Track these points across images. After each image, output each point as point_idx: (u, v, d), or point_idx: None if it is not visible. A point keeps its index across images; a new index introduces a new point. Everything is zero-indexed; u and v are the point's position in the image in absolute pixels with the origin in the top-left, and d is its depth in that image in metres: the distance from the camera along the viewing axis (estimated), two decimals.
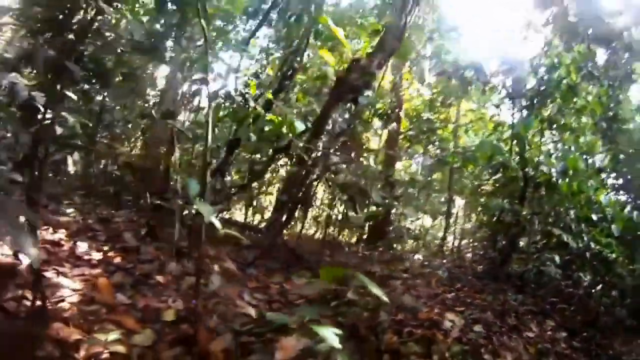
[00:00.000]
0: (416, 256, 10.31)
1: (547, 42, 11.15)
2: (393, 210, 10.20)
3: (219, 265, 3.72)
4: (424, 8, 9.48)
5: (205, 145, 3.22)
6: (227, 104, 6.17)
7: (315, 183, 5.89)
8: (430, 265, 8.64)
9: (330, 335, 2.54)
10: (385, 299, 2.99)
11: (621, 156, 14.68)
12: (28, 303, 2.92)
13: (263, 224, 8.00)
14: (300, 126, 3.99)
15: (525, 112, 9.99)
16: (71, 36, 5.02)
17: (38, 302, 2.83)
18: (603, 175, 11.91)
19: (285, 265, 5.95)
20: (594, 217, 8.15)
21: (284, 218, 6.30)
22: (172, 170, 6.40)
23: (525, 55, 10.73)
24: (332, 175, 5.53)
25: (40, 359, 2.50)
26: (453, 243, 15.14)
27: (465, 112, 14.93)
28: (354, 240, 11.05)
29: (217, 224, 2.58)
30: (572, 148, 9.05)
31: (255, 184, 7.62)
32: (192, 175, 8.25)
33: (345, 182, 5.40)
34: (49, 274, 3.57)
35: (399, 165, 14.48)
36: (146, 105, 10.52)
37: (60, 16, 10.47)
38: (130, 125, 10.76)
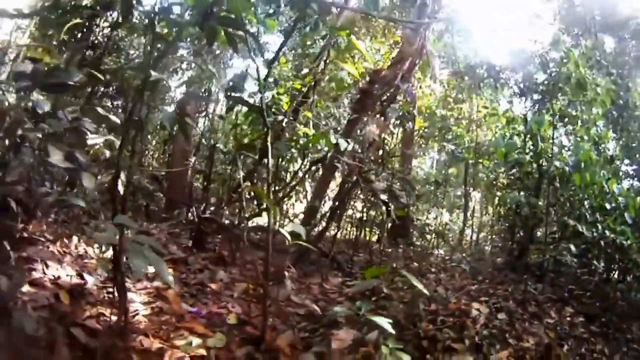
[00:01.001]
0: (438, 251, 10.84)
1: (555, 36, 11.59)
2: (412, 209, 10.78)
3: (287, 271, 4.29)
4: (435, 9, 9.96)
5: (268, 166, 3.77)
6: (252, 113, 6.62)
7: (351, 190, 6.51)
8: (452, 259, 9.16)
9: (385, 323, 3.14)
10: (425, 291, 3.59)
11: (634, 144, 15.18)
12: (106, 319, 3.48)
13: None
14: (343, 143, 4.52)
15: (536, 107, 10.59)
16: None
17: (114, 317, 3.37)
18: (616, 164, 12.37)
19: (318, 267, 6.54)
20: (608, 206, 8.60)
21: (321, 223, 6.95)
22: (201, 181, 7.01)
23: (535, 50, 11.28)
24: (366, 182, 6.09)
25: None
26: (471, 237, 15.68)
27: (478, 108, 15.38)
28: (374, 239, 11.55)
29: (288, 237, 3.17)
30: (585, 139, 9.52)
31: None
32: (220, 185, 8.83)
33: (378, 188, 5.97)
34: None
35: (415, 162, 14.95)
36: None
37: (79, 34, 11.09)
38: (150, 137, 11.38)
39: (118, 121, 4.05)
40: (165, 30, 3.80)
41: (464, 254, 11.19)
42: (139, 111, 3.48)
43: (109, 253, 5.03)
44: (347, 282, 5.98)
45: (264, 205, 6.96)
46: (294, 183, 7.73)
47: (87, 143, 3.85)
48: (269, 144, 3.68)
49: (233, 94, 4.56)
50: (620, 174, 13.87)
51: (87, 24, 10.49)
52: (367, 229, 10.12)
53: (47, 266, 3.89)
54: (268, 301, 3.75)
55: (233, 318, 3.95)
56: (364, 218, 8.98)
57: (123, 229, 2.94)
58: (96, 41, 11.05)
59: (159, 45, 3.76)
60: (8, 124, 3.55)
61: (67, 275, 3.90)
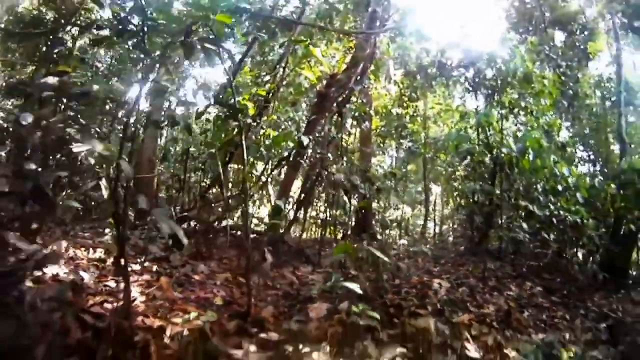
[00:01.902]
0: (401, 242, 11.53)
1: (502, 34, 12.49)
2: (374, 204, 11.44)
3: (264, 258, 4.89)
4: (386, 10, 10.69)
5: (244, 167, 4.36)
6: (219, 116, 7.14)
7: (315, 183, 7.14)
8: (415, 248, 9.83)
9: (354, 286, 3.77)
10: (388, 260, 4.23)
11: (586, 130, 16.25)
12: (108, 306, 4.01)
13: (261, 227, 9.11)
14: (305, 140, 5.14)
15: (487, 101, 11.43)
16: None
17: (115, 304, 3.91)
18: (569, 150, 13.30)
19: (288, 259, 7.13)
20: (560, 188, 9.42)
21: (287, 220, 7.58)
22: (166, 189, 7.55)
23: (484, 47, 12.14)
24: (328, 175, 6.73)
25: (137, 342, 3.59)
26: (434, 229, 16.46)
27: (432, 105, 16.17)
28: (339, 236, 12.14)
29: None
30: (535, 128, 10.37)
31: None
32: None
33: (338, 181, 6.61)
34: (111, 282, 4.69)
35: (374, 160, 15.59)
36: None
37: (44, 48, 11.45)
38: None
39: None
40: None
41: (427, 245, 11.95)
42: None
43: (98, 254, 5.60)
44: (316, 270, 6.58)
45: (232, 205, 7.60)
46: (260, 184, 8.28)
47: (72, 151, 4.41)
48: (244, 141, 4.25)
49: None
50: (576, 159, 14.92)
51: (50, 37, 10.92)
52: (332, 227, 10.69)
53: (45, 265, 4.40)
54: (251, 281, 4.34)
55: (219, 300, 4.51)
56: (328, 217, 9.56)
57: (125, 223, 3.52)
58: (60, 54, 11.51)
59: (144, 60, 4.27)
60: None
61: (64, 273, 4.39)
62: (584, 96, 16.00)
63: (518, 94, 10.64)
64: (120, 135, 4.99)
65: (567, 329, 6.19)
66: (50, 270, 4.32)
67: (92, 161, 5.20)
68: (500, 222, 9.17)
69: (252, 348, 3.63)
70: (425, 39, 13.01)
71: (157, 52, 4.20)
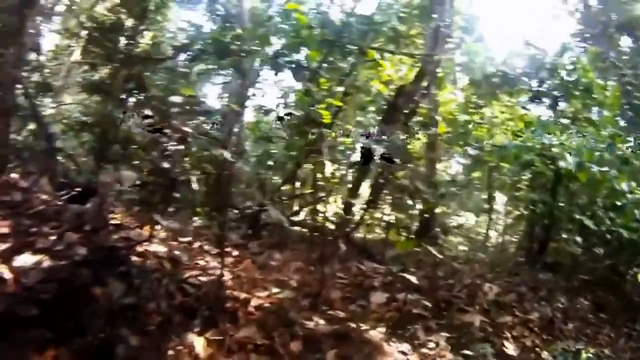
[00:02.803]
0: (461, 247, 12.19)
1: (565, 43, 12.88)
2: (437, 210, 12.15)
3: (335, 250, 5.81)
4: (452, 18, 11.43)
5: (322, 171, 5.24)
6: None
7: (382, 187, 8.01)
8: (474, 254, 10.50)
9: (411, 278, 4.61)
10: (440, 256, 5.05)
11: None
12: (202, 279, 4.96)
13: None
14: (377, 149, 6.01)
15: (550, 111, 11.98)
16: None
17: (212, 277, 4.87)
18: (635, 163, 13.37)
19: (353, 256, 7.99)
20: (618, 203, 9.78)
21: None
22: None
23: (548, 56, 12.67)
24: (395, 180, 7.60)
25: (228, 308, 4.51)
26: (497, 239, 16.91)
27: (498, 112, 16.61)
28: (401, 239, 12.83)
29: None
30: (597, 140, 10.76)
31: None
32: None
33: (403, 185, 7.46)
34: (200, 261, 5.66)
35: (439, 166, 16.16)
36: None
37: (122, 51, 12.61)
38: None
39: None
40: None
41: (486, 252, 12.54)
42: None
43: (186, 238, 6.59)
44: (378, 266, 7.43)
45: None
46: (334, 184, 9.18)
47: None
48: (325, 147, 5.16)
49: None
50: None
51: (128, 41, 12.09)
52: (395, 230, 11.39)
53: (143, 243, 5.41)
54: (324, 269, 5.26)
55: (294, 282, 5.47)
56: (391, 220, 10.29)
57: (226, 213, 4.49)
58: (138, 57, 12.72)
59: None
60: None
61: (163, 252, 5.40)
62: None
63: (581, 104, 11.09)
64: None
65: (609, 346, 6.56)
66: (152, 248, 5.34)
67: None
68: (557, 234, 9.67)
69: (322, 322, 4.50)
70: (490, 45, 13.65)
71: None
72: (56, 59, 13.57)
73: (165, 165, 5.42)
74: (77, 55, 12.97)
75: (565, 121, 11.19)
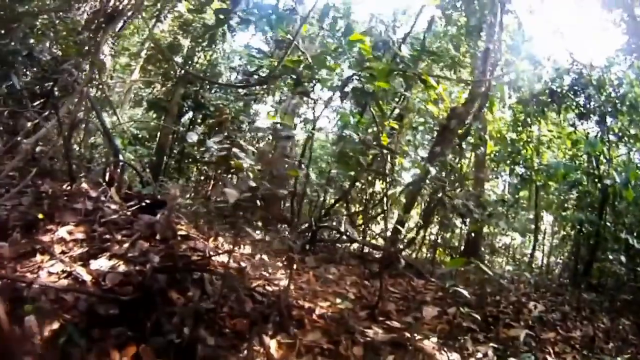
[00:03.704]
0: (507, 267, 12.63)
1: (609, 59, 13.21)
2: (485, 229, 12.63)
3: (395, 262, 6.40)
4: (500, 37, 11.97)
5: (386, 192, 5.88)
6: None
7: (435, 207, 8.62)
8: (520, 274, 10.94)
9: (464, 291, 5.16)
10: (490, 273, 5.60)
11: None
12: (269, 288, 5.58)
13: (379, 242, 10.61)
14: (431, 170, 6.64)
15: (598, 128, 12.33)
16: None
17: (277, 287, 5.51)
18: None
19: (403, 272, 8.57)
20: None
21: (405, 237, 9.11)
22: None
23: (595, 72, 13.02)
24: (449, 200, 8.18)
25: (294, 315, 5.12)
26: (542, 260, 17.21)
27: (545, 131, 16.94)
28: (448, 258, 13.34)
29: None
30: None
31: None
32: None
33: (457, 206, 8.03)
34: (264, 272, 6.30)
35: (487, 185, 16.61)
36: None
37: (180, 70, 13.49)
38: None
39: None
40: None
41: (532, 272, 12.95)
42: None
43: (248, 249, 7.22)
44: (428, 283, 8.00)
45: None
46: (388, 203, 9.79)
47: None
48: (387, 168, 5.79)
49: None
50: None
51: (186, 61, 12.96)
52: (442, 249, 11.90)
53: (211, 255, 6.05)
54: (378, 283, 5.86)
55: (351, 295, 6.11)
56: (439, 240, 10.81)
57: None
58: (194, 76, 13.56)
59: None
60: None
61: (227, 262, 6.05)
62: None
63: (628, 121, 11.43)
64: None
65: None
66: (217, 258, 5.97)
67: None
68: (603, 254, 10.03)
69: (379, 331, 5.10)
70: (536, 65, 14.12)
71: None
72: (118, 77, 14.52)
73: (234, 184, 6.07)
74: (136, 74, 13.91)
75: (613, 138, 11.53)
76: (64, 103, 7.14)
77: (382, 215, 10.13)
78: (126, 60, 14.60)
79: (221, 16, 6.41)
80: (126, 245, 5.26)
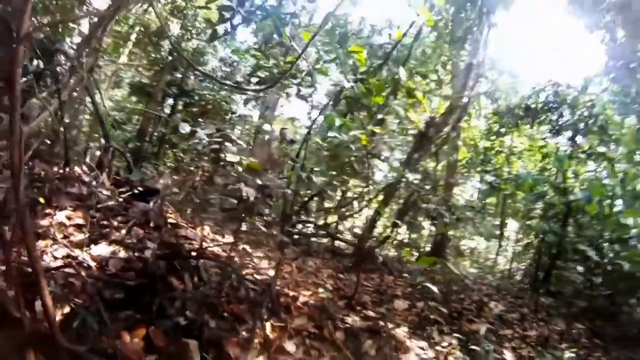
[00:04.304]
0: (471, 270, 13.48)
1: (585, 81, 14.11)
2: (451, 232, 13.43)
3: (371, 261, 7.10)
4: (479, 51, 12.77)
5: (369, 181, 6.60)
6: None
7: (409, 209, 9.38)
8: (483, 276, 11.79)
9: (433, 287, 5.89)
10: (457, 272, 6.35)
11: None
12: (257, 276, 6.24)
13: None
14: (409, 176, 7.38)
15: (568, 144, 13.28)
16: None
17: (265, 276, 6.17)
18: None
19: (374, 268, 9.30)
20: (626, 236, 10.87)
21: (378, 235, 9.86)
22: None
23: (573, 89, 13.95)
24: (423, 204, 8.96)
25: (282, 302, 5.76)
26: (505, 265, 18.09)
27: (517, 142, 17.83)
28: (413, 259, 14.10)
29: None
30: (610, 175, 11.96)
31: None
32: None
33: (427, 208, 8.80)
34: (250, 261, 6.97)
35: (456, 190, 17.36)
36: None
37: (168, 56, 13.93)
38: None
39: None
40: None
41: (494, 276, 13.85)
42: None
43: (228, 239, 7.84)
44: (397, 280, 8.75)
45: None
46: (364, 203, 10.48)
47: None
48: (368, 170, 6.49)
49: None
50: None
51: (173, 47, 13.38)
52: (408, 250, 12.59)
53: (207, 245, 6.67)
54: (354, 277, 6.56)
55: (329, 286, 6.78)
56: (406, 240, 11.53)
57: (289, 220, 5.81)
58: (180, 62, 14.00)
59: None
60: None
61: (217, 250, 6.67)
62: None
63: (599, 140, 12.31)
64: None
65: None
66: (212, 249, 6.59)
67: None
68: (563, 264, 10.88)
69: (357, 319, 5.79)
70: (515, 79, 15.02)
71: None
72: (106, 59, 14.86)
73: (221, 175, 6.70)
74: (124, 58, 14.29)
75: (582, 155, 12.42)
76: (66, 86, 7.48)
77: (357, 213, 10.89)
78: (114, 42, 14.96)
79: (226, 14, 6.88)
80: (123, 231, 5.73)
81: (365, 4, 22.64)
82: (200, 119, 11.34)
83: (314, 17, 12.76)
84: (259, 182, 5.45)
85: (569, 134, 13.51)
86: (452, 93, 11.30)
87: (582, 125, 12.79)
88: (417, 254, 13.03)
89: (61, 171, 7.18)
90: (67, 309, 3.87)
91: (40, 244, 4.80)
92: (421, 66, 12.53)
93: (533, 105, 13.93)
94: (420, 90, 9.83)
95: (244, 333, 4.57)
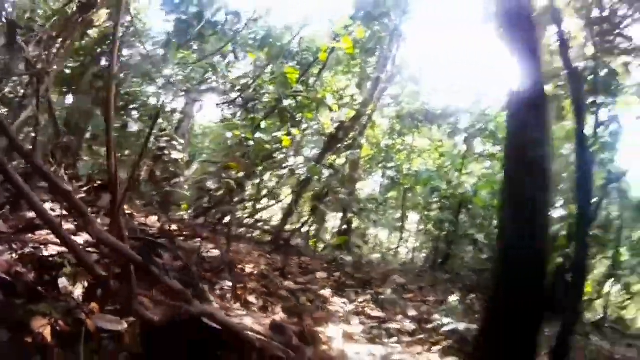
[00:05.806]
0: (374, 256, 15.79)
1: (477, 97, 17.09)
2: (354, 225, 15.63)
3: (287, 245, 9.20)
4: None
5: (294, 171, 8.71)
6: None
7: (321, 201, 11.54)
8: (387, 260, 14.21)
9: (348, 258, 8.13)
10: (364, 246, 8.63)
11: None
12: (211, 254, 8.19)
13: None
14: (325, 172, 9.53)
15: (461, 145, 16.09)
16: None
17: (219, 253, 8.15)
18: None
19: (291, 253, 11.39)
20: None
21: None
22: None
23: (466, 100, 16.85)
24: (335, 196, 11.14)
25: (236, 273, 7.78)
26: (406, 255, 20.33)
27: (418, 141, 20.22)
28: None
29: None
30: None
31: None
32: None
33: (342, 202, 11.02)
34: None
35: (358, 184, 19.35)
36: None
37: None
38: None
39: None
40: None
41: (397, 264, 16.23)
42: None
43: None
44: (312, 260, 10.88)
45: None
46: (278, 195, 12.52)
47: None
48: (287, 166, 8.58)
49: None
50: None
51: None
52: (314, 241, 14.60)
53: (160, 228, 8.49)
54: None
55: (262, 262, 8.85)
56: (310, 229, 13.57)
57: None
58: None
59: None
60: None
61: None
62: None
63: (492, 143, 15.11)
64: None
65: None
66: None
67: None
68: (457, 249, 13.59)
69: (291, 283, 7.83)
70: (419, 86, 17.62)
71: None
72: None
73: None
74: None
75: (475, 155, 15.21)
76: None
77: (272, 205, 12.99)
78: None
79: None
80: (99, 220, 6.29)
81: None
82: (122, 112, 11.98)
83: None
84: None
85: (463, 137, 16.33)
86: (360, 101, 13.38)
87: (476, 129, 15.61)
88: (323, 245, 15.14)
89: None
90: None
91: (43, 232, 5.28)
92: (334, 76, 14.70)
93: (432, 111, 16.73)
94: (335, 101, 11.91)
95: (218, 291, 6.27)
